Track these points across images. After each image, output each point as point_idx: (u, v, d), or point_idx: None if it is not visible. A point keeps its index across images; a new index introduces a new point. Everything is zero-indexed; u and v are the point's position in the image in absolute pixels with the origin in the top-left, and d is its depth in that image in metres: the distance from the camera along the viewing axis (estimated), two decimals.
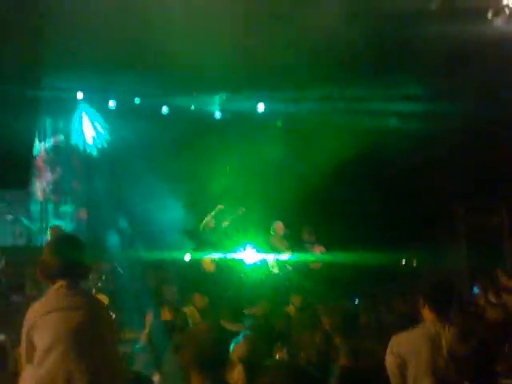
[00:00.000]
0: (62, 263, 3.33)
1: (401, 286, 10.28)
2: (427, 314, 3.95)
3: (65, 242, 3.55)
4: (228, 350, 3.41)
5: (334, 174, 11.21)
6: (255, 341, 4.28)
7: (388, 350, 3.92)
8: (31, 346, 3.24)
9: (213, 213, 10.65)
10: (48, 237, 10.38)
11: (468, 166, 11.01)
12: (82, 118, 12.80)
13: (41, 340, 3.19)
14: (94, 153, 12.95)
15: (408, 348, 3.85)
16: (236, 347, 4.05)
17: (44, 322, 3.18)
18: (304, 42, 9.18)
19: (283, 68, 10.05)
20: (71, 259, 3.37)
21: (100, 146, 12.90)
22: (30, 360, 3.25)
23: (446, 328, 3.80)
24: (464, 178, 11.05)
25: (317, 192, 11.29)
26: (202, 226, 10.59)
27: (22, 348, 3.31)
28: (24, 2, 6.72)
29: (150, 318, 7.08)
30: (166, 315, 7.44)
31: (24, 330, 3.26)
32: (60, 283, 3.31)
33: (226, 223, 10.67)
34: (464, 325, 4.30)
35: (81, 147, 12.97)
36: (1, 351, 8.02)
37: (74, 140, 12.99)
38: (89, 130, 12.87)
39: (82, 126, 12.86)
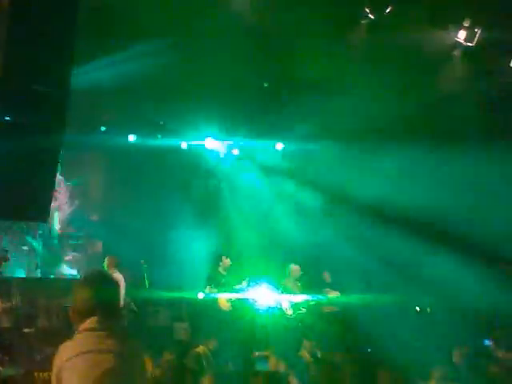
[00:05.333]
0: (93, 297, 3.11)
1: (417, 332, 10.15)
2: None
3: (96, 277, 3.30)
4: None
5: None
6: None
7: None
8: None
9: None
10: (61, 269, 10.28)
11: None
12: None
13: None
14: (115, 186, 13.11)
15: None
16: None
17: (72, 365, 2.98)
18: None
19: None
20: (103, 294, 3.15)
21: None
22: None
23: None
24: None
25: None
26: (219, 265, 10.54)
27: None
28: None
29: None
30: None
31: (54, 372, 3.05)
32: (90, 320, 3.07)
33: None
34: None
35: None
36: None
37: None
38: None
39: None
